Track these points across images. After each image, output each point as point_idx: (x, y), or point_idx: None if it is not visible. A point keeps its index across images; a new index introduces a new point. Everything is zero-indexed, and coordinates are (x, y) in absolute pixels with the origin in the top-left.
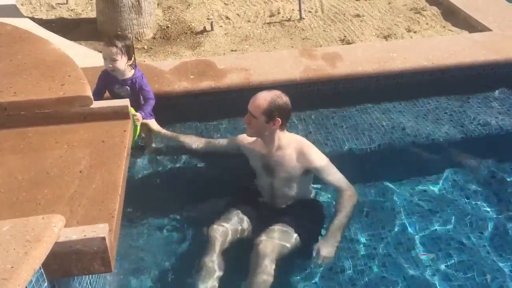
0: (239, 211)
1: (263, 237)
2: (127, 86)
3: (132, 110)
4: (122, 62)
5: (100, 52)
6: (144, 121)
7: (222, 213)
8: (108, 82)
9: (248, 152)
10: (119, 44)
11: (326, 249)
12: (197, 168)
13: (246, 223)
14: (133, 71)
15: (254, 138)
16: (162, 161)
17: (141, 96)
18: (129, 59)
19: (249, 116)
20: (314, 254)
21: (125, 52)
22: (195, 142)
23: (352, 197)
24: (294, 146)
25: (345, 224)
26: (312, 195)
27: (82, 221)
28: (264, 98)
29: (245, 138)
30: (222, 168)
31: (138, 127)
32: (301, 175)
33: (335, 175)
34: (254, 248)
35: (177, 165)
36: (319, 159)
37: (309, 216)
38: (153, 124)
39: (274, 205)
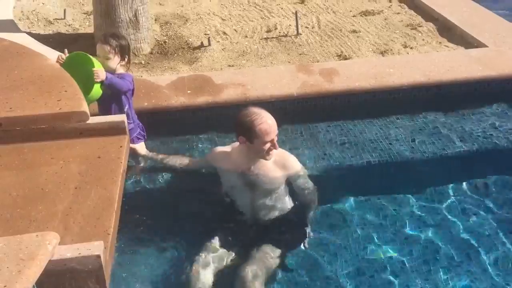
0: (221, 239)
1: (248, 267)
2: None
3: (96, 64)
4: (114, 62)
5: None
6: (132, 145)
7: (204, 243)
8: None
9: (224, 171)
10: (113, 43)
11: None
12: (183, 185)
13: (230, 251)
14: (123, 71)
15: (228, 155)
16: (149, 180)
17: (124, 101)
18: (122, 59)
19: (276, 138)
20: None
21: (118, 51)
22: (177, 162)
23: (315, 190)
24: (274, 157)
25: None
26: (291, 203)
27: (77, 238)
28: (268, 114)
29: (217, 157)
30: (207, 184)
31: (96, 86)
32: (283, 183)
33: (307, 179)
34: (239, 278)
35: (163, 183)
36: (298, 165)
37: (290, 225)
38: (141, 148)
39: (256, 220)
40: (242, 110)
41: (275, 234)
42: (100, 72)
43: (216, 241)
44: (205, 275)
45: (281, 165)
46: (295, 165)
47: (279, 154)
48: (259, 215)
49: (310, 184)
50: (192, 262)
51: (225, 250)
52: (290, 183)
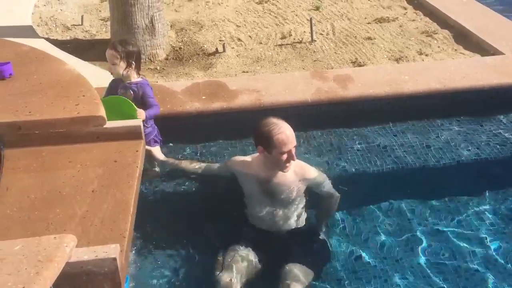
0: (244, 253)
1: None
2: (131, 91)
3: (133, 106)
4: (120, 67)
5: None
6: (148, 147)
7: (226, 260)
8: (114, 85)
9: (244, 178)
10: (120, 49)
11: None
12: (200, 190)
13: (254, 265)
14: (139, 78)
15: (248, 164)
16: (164, 184)
17: (144, 107)
18: (129, 65)
19: (294, 149)
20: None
21: (124, 57)
22: (193, 167)
23: (338, 198)
24: (293, 168)
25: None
26: (306, 218)
27: (94, 241)
28: (287, 125)
29: (237, 164)
30: (224, 191)
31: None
32: (301, 195)
33: (329, 185)
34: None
35: (179, 188)
36: (317, 173)
37: (309, 242)
38: (156, 152)
39: (276, 231)
40: (261, 120)
41: (297, 250)
42: (140, 114)
43: (241, 251)
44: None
45: (300, 175)
46: (312, 173)
47: (298, 164)
48: (277, 225)
49: (333, 191)
50: (218, 271)
51: (250, 262)
52: (309, 194)
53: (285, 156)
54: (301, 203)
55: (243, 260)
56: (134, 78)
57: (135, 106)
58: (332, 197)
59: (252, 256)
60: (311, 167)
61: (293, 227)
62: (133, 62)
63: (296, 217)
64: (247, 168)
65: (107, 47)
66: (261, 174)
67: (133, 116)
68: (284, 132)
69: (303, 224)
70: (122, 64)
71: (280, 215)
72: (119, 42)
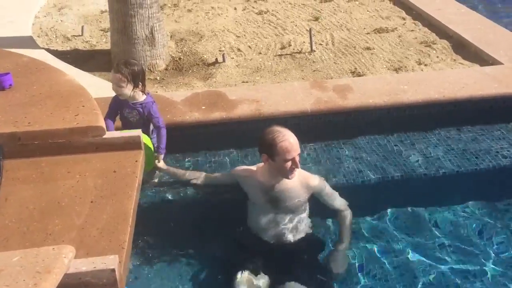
0: (246, 273)
1: None
2: (136, 111)
3: (149, 143)
4: (127, 89)
5: None
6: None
7: (230, 276)
8: (119, 105)
9: (249, 186)
10: (125, 71)
11: (342, 268)
12: (201, 200)
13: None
14: (144, 96)
15: (252, 172)
16: (165, 194)
17: (150, 124)
18: (136, 86)
19: (298, 157)
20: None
21: (131, 79)
22: (193, 177)
23: (350, 216)
24: (297, 176)
25: (350, 242)
26: (311, 228)
27: (92, 252)
28: (291, 133)
29: (242, 172)
30: (227, 201)
31: (151, 162)
32: (305, 203)
33: (336, 197)
34: None
35: (179, 198)
36: (322, 182)
37: (314, 253)
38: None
39: (280, 242)
40: (265, 129)
41: (299, 267)
42: (159, 157)
43: (244, 271)
44: None
45: (305, 183)
46: (316, 182)
47: (302, 174)
48: (281, 236)
49: (341, 204)
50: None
51: (253, 278)
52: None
53: (289, 164)
54: (305, 213)
55: (246, 282)
56: (140, 97)
57: (153, 151)
58: (343, 212)
59: (253, 276)
60: (312, 175)
61: (297, 238)
62: (139, 82)
63: (300, 227)
64: (251, 176)
65: (112, 70)
66: (265, 182)
67: (150, 160)
68: (287, 139)
69: (308, 234)
70: (129, 86)
71: (284, 224)
72: (123, 64)
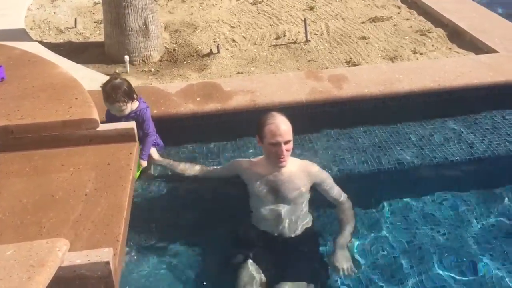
0: (248, 262)
1: None
2: (131, 118)
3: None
4: (129, 108)
5: (107, 75)
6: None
7: (230, 268)
8: (114, 116)
9: (250, 177)
10: (120, 97)
11: (346, 264)
12: (196, 193)
13: (258, 274)
14: (137, 103)
15: (252, 163)
16: (160, 186)
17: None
18: (132, 99)
19: (287, 144)
20: (339, 273)
21: (128, 99)
22: (190, 170)
23: (351, 208)
24: (298, 164)
25: (351, 235)
26: (311, 220)
27: (87, 244)
28: (285, 120)
29: (242, 163)
30: (222, 193)
31: (140, 168)
32: (306, 193)
33: (336, 188)
34: None
35: (175, 190)
36: (324, 172)
37: (315, 246)
38: (153, 153)
39: (281, 234)
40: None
41: (302, 258)
42: (142, 162)
43: (244, 260)
44: None
45: (306, 171)
46: (319, 172)
47: (303, 163)
48: (282, 228)
49: (341, 196)
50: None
51: (255, 270)
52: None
53: (275, 149)
54: (305, 203)
55: (247, 276)
56: (135, 105)
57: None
58: (343, 204)
59: (254, 268)
60: (314, 164)
61: (299, 231)
62: (134, 96)
63: (300, 219)
64: (252, 167)
65: (106, 103)
66: (265, 171)
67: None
68: (275, 123)
69: (308, 227)
70: (129, 104)
71: (285, 214)
72: (113, 92)
